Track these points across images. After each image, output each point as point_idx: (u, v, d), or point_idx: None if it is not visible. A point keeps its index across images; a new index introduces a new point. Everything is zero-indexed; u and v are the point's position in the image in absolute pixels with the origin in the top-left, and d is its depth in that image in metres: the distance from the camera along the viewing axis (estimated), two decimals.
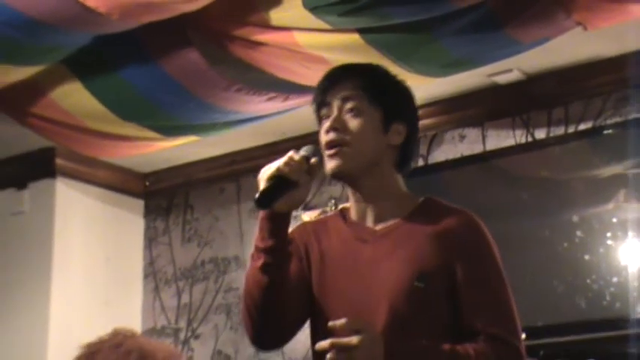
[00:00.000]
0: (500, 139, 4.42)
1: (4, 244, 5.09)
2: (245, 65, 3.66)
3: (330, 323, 2.07)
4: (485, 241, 2.25)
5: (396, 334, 2.14)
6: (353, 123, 2.27)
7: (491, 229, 2.27)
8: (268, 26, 3.45)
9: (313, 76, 3.47)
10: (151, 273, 5.35)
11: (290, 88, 3.80)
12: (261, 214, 2.19)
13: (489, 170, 4.39)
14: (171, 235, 5.35)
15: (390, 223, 2.28)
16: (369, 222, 2.30)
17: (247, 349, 4.89)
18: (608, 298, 3.93)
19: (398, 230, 2.26)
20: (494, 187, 4.34)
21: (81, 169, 5.09)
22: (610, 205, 4.00)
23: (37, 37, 3.38)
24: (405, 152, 2.33)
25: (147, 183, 5.43)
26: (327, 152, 2.26)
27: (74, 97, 3.90)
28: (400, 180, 2.34)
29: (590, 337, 3.91)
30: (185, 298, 5.21)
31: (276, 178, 2.16)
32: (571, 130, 4.25)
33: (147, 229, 5.43)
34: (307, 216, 4.43)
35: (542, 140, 4.31)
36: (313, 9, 3.28)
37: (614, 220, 4.00)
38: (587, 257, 4.02)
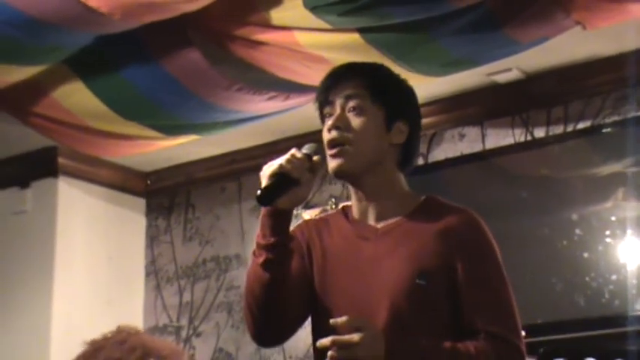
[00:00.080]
0: (500, 137, 4.42)
1: (7, 243, 5.09)
2: (246, 65, 3.67)
3: (332, 321, 2.08)
4: (487, 240, 2.26)
5: (397, 331, 2.14)
6: (356, 121, 2.27)
7: (490, 227, 2.28)
8: (269, 26, 3.45)
9: (314, 76, 3.49)
10: (153, 271, 5.35)
11: (290, 88, 3.81)
12: (263, 211, 2.19)
13: (489, 169, 4.40)
14: (173, 234, 5.35)
15: (392, 221, 2.28)
16: (371, 220, 2.30)
17: (248, 346, 4.90)
18: (607, 295, 3.94)
19: (399, 228, 2.27)
20: (494, 186, 4.34)
21: (83, 168, 5.09)
22: (609, 204, 4.01)
23: (38, 36, 3.39)
24: (408, 151, 2.33)
25: (148, 182, 5.42)
26: (330, 151, 2.26)
27: (76, 97, 3.90)
28: (402, 179, 2.34)
29: (589, 335, 3.91)
30: (187, 297, 5.21)
31: (279, 176, 2.16)
32: (570, 128, 4.26)
33: (148, 227, 5.43)
34: (307, 214, 4.43)
35: (541, 139, 4.31)
36: (313, 9, 3.29)
37: (613, 218, 4.00)
38: (586, 255, 4.03)
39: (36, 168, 5.05)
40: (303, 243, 2.32)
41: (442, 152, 4.58)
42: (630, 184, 3.96)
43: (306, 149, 2.23)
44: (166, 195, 5.42)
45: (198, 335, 5.13)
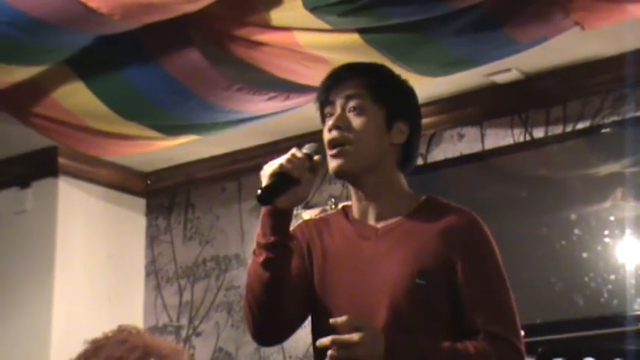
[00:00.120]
0: (499, 137, 4.43)
1: (8, 242, 5.09)
2: (246, 65, 3.67)
3: (332, 320, 2.08)
4: (486, 241, 2.26)
5: (397, 331, 2.14)
6: (356, 121, 2.28)
7: (490, 227, 2.28)
8: (269, 26, 3.46)
9: (313, 76, 3.50)
10: (153, 271, 5.35)
11: (290, 88, 3.81)
12: (263, 210, 2.20)
13: (488, 169, 4.40)
14: (173, 234, 5.35)
15: (392, 221, 2.29)
16: (371, 220, 2.31)
17: (248, 346, 4.90)
18: (605, 295, 3.95)
19: (400, 228, 2.27)
20: (493, 186, 4.34)
21: (83, 168, 5.10)
22: (607, 204, 4.02)
23: (39, 37, 3.39)
24: (408, 151, 2.34)
25: (148, 182, 5.43)
26: (330, 152, 2.27)
27: (76, 97, 3.90)
28: (402, 179, 2.35)
29: (588, 334, 3.91)
30: (187, 296, 5.21)
31: (279, 175, 2.17)
32: (569, 128, 4.26)
33: (148, 227, 5.43)
34: (307, 214, 4.44)
35: (540, 139, 4.32)
36: (313, 9, 3.29)
37: (612, 218, 4.01)
38: (584, 255, 4.04)
39: (36, 168, 5.05)
40: (303, 243, 2.32)
41: (441, 152, 4.58)
42: (629, 184, 3.96)
43: (306, 149, 2.23)
44: (166, 195, 5.43)
45: (198, 335, 5.13)
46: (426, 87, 4.00)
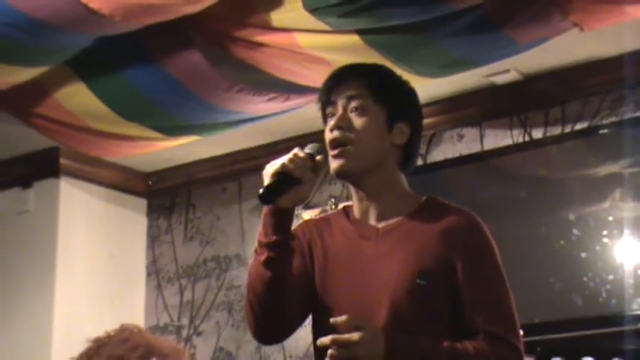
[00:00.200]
0: (498, 138, 4.44)
1: (10, 242, 5.10)
2: (246, 66, 3.67)
3: (332, 320, 2.09)
4: (487, 241, 2.27)
5: (397, 331, 2.15)
6: (358, 122, 2.28)
7: (489, 227, 2.29)
8: (269, 27, 3.46)
9: (314, 77, 3.52)
10: (154, 271, 5.36)
11: (290, 89, 3.81)
12: (265, 209, 2.20)
13: (487, 169, 4.41)
14: (174, 234, 5.35)
15: (393, 221, 2.29)
16: (372, 220, 2.31)
17: (249, 345, 4.91)
18: (604, 295, 3.95)
19: (400, 228, 2.28)
20: (492, 186, 4.35)
21: (85, 169, 5.10)
22: (606, 204, 4.03)
23: (41, 38, 3.40)
24: (409, 152, 2.34)
25: (149, 182, 5.43)
26: (332, 152, 2.27)
27: (78, 98, 3.91)
28: (403, 179, 2.35)
29: (586, 334, 3.92)
30: (187, 296, 5.22)
31: (281, 175, 2.17)
32: (568, 129, 4.27)
33: (149, 227, 5.43)
34: (307, 215, 4.44)
35: (539, 140, 4.32)
36: (313, 10, 3.30)
37: (610, 218, 4.02)
38: (583, 255, 4.04)
39: (38, 168, 5.06)
40: (304, 242, 2.32)
41: (441, 153, 4.59)
42: (627, 185, 3.97)
43: (308, 149, 2.24)
44: (167, 195, 5.43)
45: (198, 334, 5.14)
46: (426, 88, 4.01)
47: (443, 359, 2.14)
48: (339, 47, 3.48)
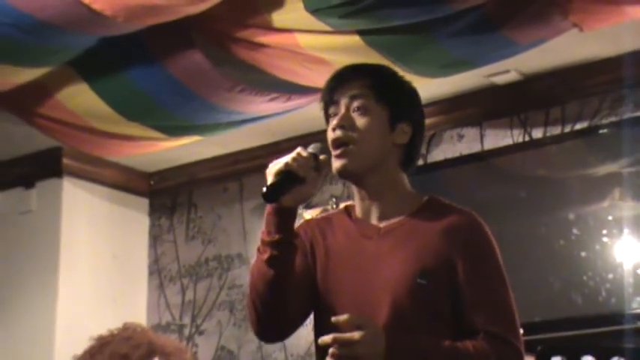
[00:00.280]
0: (498, 138, 4.44)
1: (13, 242, 5.11)
2: (248, 66, 3.68)
3: (333, 318, 2.09)
4: (488, 241, 2.28)
5: (398, 330, 2.15)
6: (360, 121, 2.29)
7: (489, 226, 2.30)
8: (270, 28, 3.47)
9: (315, 77, 3.53)
10: (156, 270, 5.36)
11: (292, 89, 3.82)
12: (268, 208, 2.21)
13: (487, 169, 4.41)
14: (176, 233, 5.36)
15: (394, 220, 2.30)
16: (374, 219, 2.32)
17: (250, 344, 4.92)
18: (603, 294, 3.96)
19: (402, 228, 2.28)
20: (492, 186, 4.35)
21: (87, 169, 5.11)
22: (605, 203, 4.03)
23: (43, 39, 3.40)
24: (410, 151, 2.35)
25: (151, 182, 5.44)
26: (334, 152, 2.28)
27: (80, 98, 3.91)
28: (405, 179, 2.36)
29: (586, 333, 3.93)
30: (189, 295, 5.22)
31: (284, 173, 2.17)
32: (567, 129, 4.27)
33: (152, 227, 5.44)
34: (308, 214, 4.44)
35: (539, 139, 4.33)
36: (314, 11, 3.30)
37: (610, 217, 4.03)
38: (583, 254, 4.05)
39: (41, 168, 5.06)
40: (306, 241, 2.33)
41: (441, 153, 4.59)
42: (626, 184, 3.97)
43: (311, 148, 2.24)
44: (169, 195, 5.43)
45: (200, 333, 5.14)
46: (426, 88, 3.99)
47: (443, 358, 2.15)
48: (339, 48, 3.48)
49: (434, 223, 2.27)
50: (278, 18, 3.42)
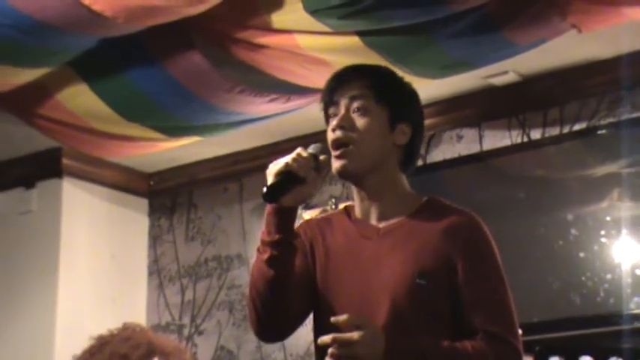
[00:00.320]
0: (497, 139, 4.45)
1: (13, 242, 5.11)
2: (247, 67, 3.68)
3: (333, 319, 2.10)
4: (486, 241, 2.28)
5: (397, 330, 2.16)
6: (360, 122, 2.30)
7: (488, 227, 2.30)
8: (270, 29, 3.47)
9: (314, 78, 3.53)
10: (156, 270, 5.36)
11: (291, 90, 3.82)
12: (268, 208, 2.21)
13: (486, 170, 4.42)
14: (175, 234, 5.36)
15: (394, 221, 2.30)
16: (373, 220, 2.32)
17: (250, 344, 4.92)
18: (602, 294, 3.97)
19: (401, 228, 2.29)
20: (491, 186, 4.36)
21: (87, 169, 5.11)
22: (604, 204, 4.04)
23: (43, 40, 3.40)
24: (410, 152, 2.36)
25: (151, 182, 5.44)
26: (334, 152, 2.28)
27: (80, 99, 3.91)
28: (404, 179, 2.37)
29: (584, 333, 3.93)
30: (189, 295, 5.22)
31: (284, 174, 2.18)
32: (566, 130, 4.28)
33: (151, 227, 5.44)
34: (308, 215, 4.44)
35: (537, 140, 4.33)
36: (314, 12, 3.30)
37: (608, 218, 4.03)
38: (581, 255, 4.06)
39: (41, 169, 5.06)
40: (306, 241, 2.34)
41: (440, 153, 4.60)
42: (625, 185, 3.98)
43: (312, 149, 2.25)
44: (169, 195, 5.44)
45: (200, 333, 5.15)
46: (425, 89, 3.98)
47: (442, 359, 2.16)
48: (339, 48, 3.48)
49: (433, 223, 2.28)
50: (277, 19, 3.42)
